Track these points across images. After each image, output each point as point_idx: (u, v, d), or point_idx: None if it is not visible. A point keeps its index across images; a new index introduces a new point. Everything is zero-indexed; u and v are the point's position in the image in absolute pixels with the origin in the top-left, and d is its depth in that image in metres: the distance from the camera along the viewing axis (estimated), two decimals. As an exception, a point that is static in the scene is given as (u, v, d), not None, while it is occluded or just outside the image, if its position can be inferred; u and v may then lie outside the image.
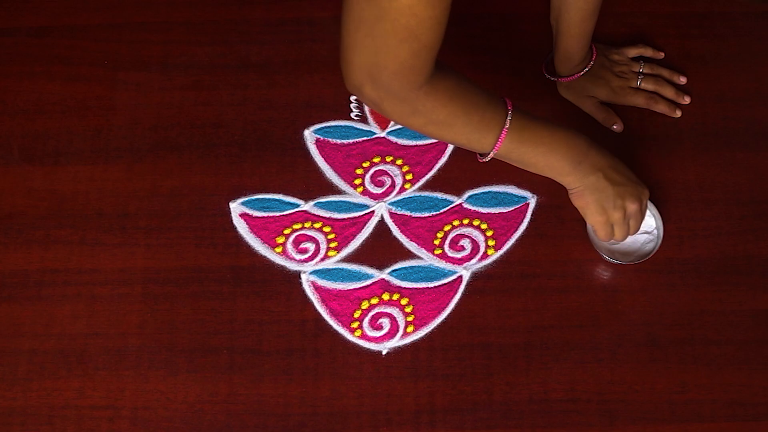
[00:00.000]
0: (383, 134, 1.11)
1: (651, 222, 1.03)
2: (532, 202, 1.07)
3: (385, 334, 1.01)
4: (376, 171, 1.09)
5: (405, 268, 1.04)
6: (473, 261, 1.04)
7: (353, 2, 0.74)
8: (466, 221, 1.06)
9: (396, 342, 1.01)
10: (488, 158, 0.89)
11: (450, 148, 1.10)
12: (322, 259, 1.05)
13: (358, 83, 0.79)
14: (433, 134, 0.87)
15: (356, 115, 1.12)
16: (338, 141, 1.10)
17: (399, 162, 1.09)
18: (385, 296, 1.03)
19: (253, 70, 1.14)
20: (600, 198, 0.92)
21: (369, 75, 0.78)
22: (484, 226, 1.06)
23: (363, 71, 0.78)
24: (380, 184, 1.08)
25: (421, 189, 1.08)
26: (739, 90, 1.13)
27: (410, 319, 1.02)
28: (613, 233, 0.96)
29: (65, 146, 1.10)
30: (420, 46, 0.76)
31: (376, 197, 1.08)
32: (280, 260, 1.04)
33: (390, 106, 0.81)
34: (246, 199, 1.07)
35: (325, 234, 1.06)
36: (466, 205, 1.07)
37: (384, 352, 1.01)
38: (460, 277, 1.04)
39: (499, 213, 1.07)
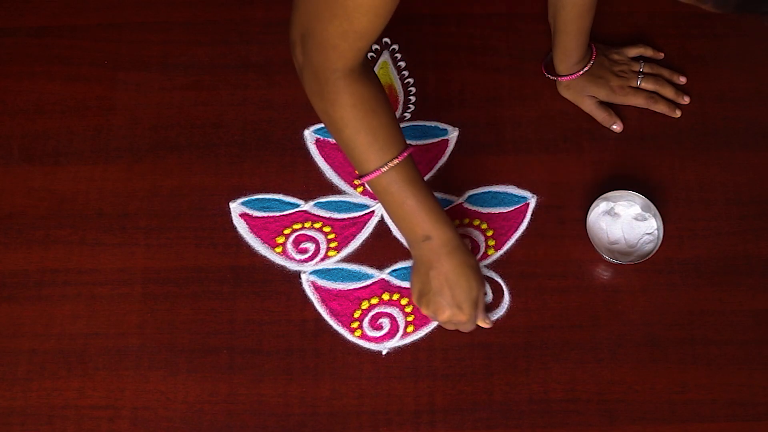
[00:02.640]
0: (383, 134, 1.10)
1: (651, 222, 1.03)
2: (532, 202, 1.07)
3: (385, 334, 1.01)
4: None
5: (405, 268, 1.04)
6: (473, 261, 1.04)
7: None
8: (466, 221, 1.06)
9: (396, 342, 1.01)
10: (359, 182, 0.89)
11: (450, 148, 1.10)
12: (322, 259, 1.05)
13: (293, 42, 0.83)
14: (326, 126, 0.88)
15: (356, 115, 1.11)
16: (338, 141, 1.10)
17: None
18: (385, 296, 1.03)
19: (253, 70, 1.14)
20: (422, 288, 0.94)
21: (301, 37, 0.81)
22: (484, 226, 1.06)
23: (297, 32, 0.82)
24: (380, 184, 1.08)
25: (421, 189, 1.08)
26: (739, 90, 1.13)
27: (410, 319, 1.02)
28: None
29: (65, 146, 1.10)
30: (350, 29, 0.77)
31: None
32: (280, 260, 1.04)
33: (307, 76, 0.84)
34: (246, 199, 1.07)
35: (325, 234, 1.06)
36: (466, 205, 1.07)
37: (384, 352, 1.01)
38: (460, 277, 1.03)
39: (499, 213, 1.07)
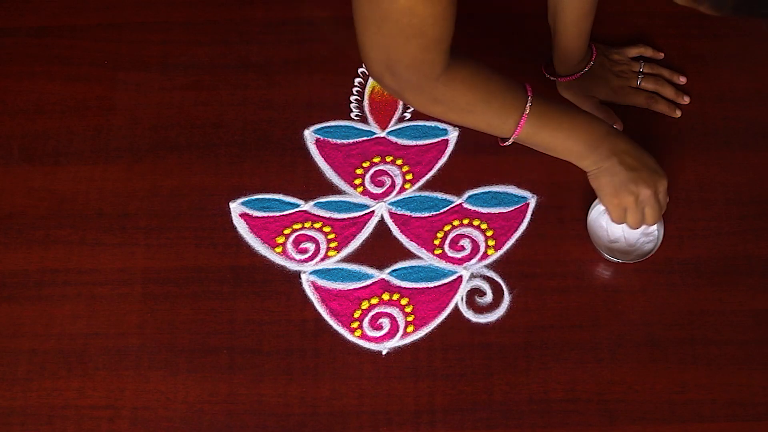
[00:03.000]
0: (383, 134, 1.11)
1: (651, 222, 1.03)
2: (532, 202, 1.07)
3: (385, 334, 1.01)
4: (376, 171, 1.09)
5: (405, 268, 1.04)
6: (473, 261, 1.04)
7: (359, 3, 0.77)
8: (466, 221, 1.06)
9: (396, 342, 1.01)
10: (509, 142, 0.91)
11: (450, 148, 1.10)
12: (322, 259, 1.05)
13: (378, 75, 0.82)
14: (455, 121, 0.90)
15: (356, 115, 1.12)
16: (338, 141, 1.10)
17: (399, 162, 1.09)
18: (385, 296, 1.03)
19: (253, 70, 1.14)
20: (613, 181, 0.94)
21: (386, 68, 0.81)
22: (484, 226, 1.06)
23: (380, 65, 0.81)
24: (380, 184, 1.08)
25: (421, 189, 1.08)
26: (739, 90, 1.13)
27: (410, 319, 1.02)
28: (625, 218, 0.97)
29: (65, 146, 1.10)
30: (428, 41, 0.78)
31: (376, 197, 1.08)
32: (280, 260, 1.04)
33: (411, 96, 0.85)
34: (246, 199, 1.07)
35: (325, 234, 1.06)
36: (466, 205, 1.07)
37: (384, 352, 1.01)
38: (460, 277, 1.04)
39: (499, 213, 1.07)
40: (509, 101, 0.88)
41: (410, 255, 1.05)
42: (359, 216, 1.07)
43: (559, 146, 0.92)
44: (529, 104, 0.88)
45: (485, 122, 0.90)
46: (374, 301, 1.03)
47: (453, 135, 1.10)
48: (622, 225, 1.04)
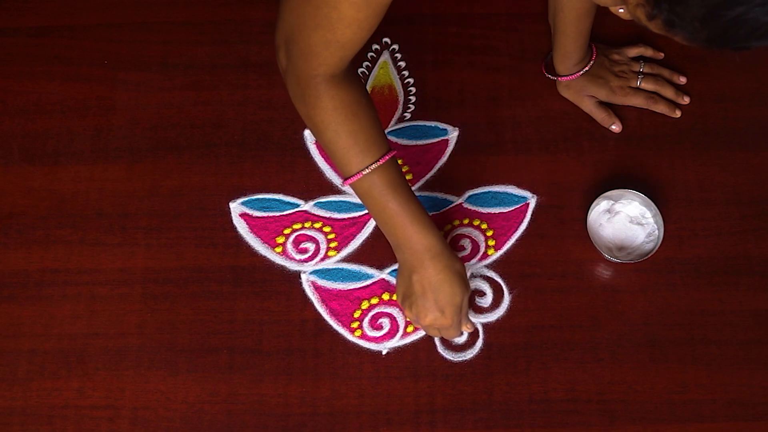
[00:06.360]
0: (383, 134, 1.10)
1: (651, 222, 1.03)
2: (532, 202, 1.07)
3: (385, 334, 1.01)
4: (376, 171, 1.09)
5: (405, 268, 1.04)
6: (473, 261, 1.04)
7: None
8: (466, 221, 1.06)
9: (396, 342, 1.01)
10: (344, 184, 0.90)
11: (450, 148, 1.10)
12: (322, 259, 1.05)
13: (278, 46, 0.84)
14: (310, 130, 0.90)
15: (356, 115, 1.11)
16: (338, 141, 1.10)
17: (399, 161, 1.09)
18: (385, 296, 1.03)
19: (253, 70, 1.14)
20: (405, 292, 0.94)
21: (284, 43, 0.83)
22: (484, 226, 1.06)
23: (282, 38, 0.83)
24: (380, 184, 1.08)
25: (421, 189, 1.08)
26: (739, 90, 1.13)
27: (410, 319, 1.02)
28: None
29: (65, 146, 1.10)
30: (332, 39, 0.78)
31: (376, 197, 1.07)
32: (280, 260, 1.04)
33: (290, 81, 0.86)
34: (246, 199, 1.07)
35: (325, 234, 1.06)
36: (466, 205, 1.07)
37: (384, 352, 1.01)
38: (460, 277, 1.03)
39: (499, 213, 1.07)
40: (355, 152, 0.87)
41: (410, 255, 1.05)
42: (359, 216, 1.06)
43: (380, 224, 0.92)
44: (371, 166, 0.87)
45: (329, 151, 0.89)
46: (374, 301, 1.03)
47: (453, 135, 1.10)
48: (621, 225, 1.04)
